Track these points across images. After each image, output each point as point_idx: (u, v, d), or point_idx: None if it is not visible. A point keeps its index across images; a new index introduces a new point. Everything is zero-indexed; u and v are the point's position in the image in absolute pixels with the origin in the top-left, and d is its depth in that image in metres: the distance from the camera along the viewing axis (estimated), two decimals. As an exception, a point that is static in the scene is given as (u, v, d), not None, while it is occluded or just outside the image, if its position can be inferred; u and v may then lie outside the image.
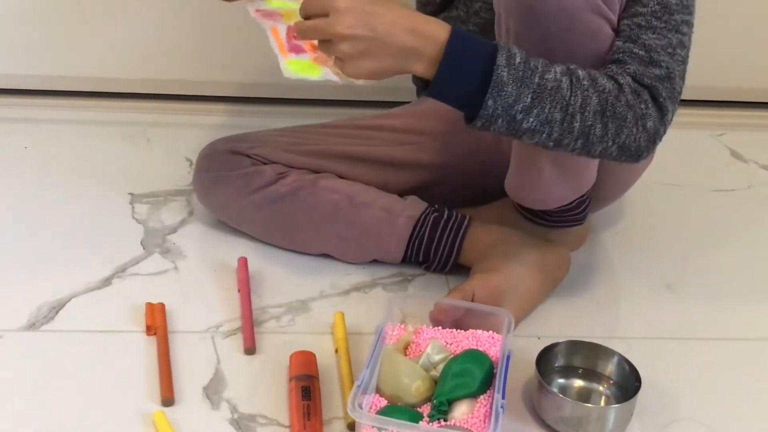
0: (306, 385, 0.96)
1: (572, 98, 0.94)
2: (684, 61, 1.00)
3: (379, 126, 1.28)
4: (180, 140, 1.51)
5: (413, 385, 0.92)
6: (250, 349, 1.03)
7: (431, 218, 1.18)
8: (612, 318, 1.16)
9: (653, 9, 0.98)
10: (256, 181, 1.20)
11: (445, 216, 1.18)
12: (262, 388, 0.99)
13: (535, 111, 0.93)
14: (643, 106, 0.97)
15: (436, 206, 1.20)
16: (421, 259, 1.19)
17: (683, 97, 1.72)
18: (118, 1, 1.58)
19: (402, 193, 1.22)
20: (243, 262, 1.17)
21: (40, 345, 1.03)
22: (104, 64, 1.63)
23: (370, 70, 0.93)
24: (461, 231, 1.17)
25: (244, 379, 1.00)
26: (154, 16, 1.59)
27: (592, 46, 0.98)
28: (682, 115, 1.67)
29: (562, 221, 1.18)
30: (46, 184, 1.37)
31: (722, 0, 1.64)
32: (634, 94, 0.96)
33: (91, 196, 1.34)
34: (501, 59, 0.92)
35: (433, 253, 1.18)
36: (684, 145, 1.61)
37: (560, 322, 1.12)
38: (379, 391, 0.93)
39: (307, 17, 0.94)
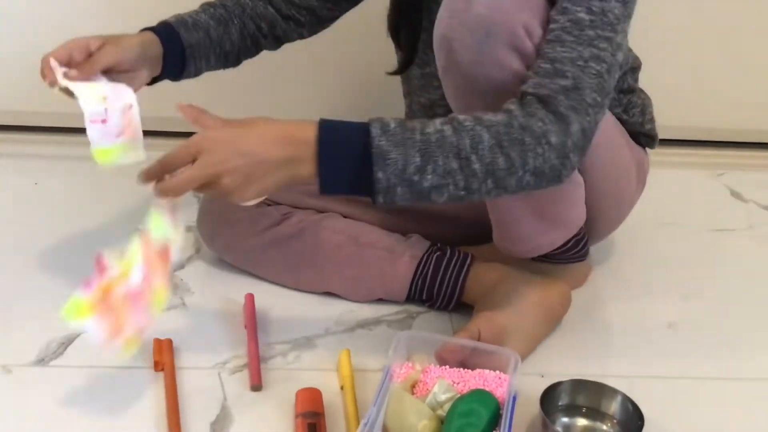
0: (312, 422, 0.96)
1: (460, 141, 0.91)
2: (599, 75, 0.94)
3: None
4: (187, 177, 1.53)
5: (420, 424, 0.93)
6: (257, 386, 1.04)
7: (434, 257, 1.19)
8: (614, 356, 1.17)
9: (563, 25, 0.96)
10: (262, 223, 1.21)
11: (448, 255, 1.19)
12: (268, 424, 0.99)
13: (429, 167, 0.90)
14: (540, 124, 0.92)
15: (439, 245, 1.21)
16: (424, 297, 1.20)
17: (684, 137, 1.76)
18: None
19: (404, 234, 1.24)
20: (250, 299, 1.18)
21: (50, 380, 1.04)
22: (114, 101, 1.65)
23: (257, 192, 0.92)
24: (464, 269, 1.18)
25: (250, 415, 1.01)
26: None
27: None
28: (681, 155, 1.72)
29: (563, 260, 1.20)
30: (55, 220, 1.38)
31: (722, 42, 1.68)
32: (527, 115, 0.92)
33: (100, 232, 1.36)
34: (375, 131, 0.89)
35: (437, 291, 1.19)
36: (684, 185, 1.63)
37: (563, 360, 1.13)
38: (385, 429, 0.94)
39: (169, 171, 0.93)
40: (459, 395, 0.97)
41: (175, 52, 1.16)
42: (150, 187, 0.95)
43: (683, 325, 1.23)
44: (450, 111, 1.03)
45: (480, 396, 0.95)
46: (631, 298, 1.29)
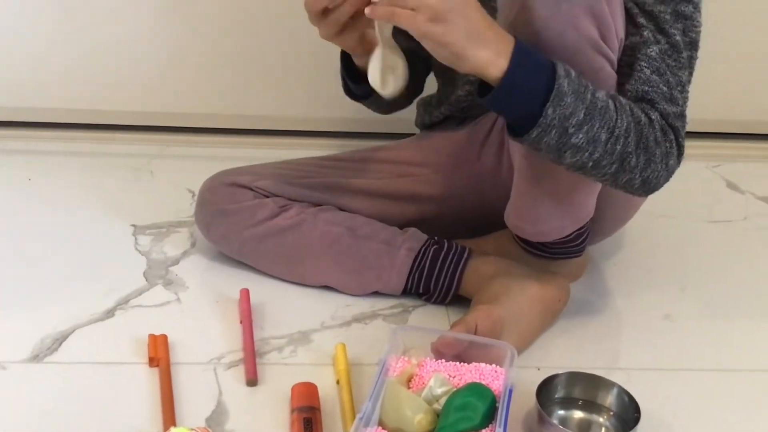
0: (308, 417, 0.96)
1: (618, 120, 0.96)
2: (688, 97, 1.04)
3: (381, 159, 1.30)
4: (183, 172, 1.53)
5: (416, 418, 0.92)
6: (252, 381, 1.04)
7: (431, 250, 1.19)
8: (611, 349, 1.17)
9: (663, 48, 1.01)
10: (259, 215, 1.21)
11: (445, 248, 1.19)
12: (264, 419, 0.99)
13: (585, 127, 0.94)
14: (668, 145, 1.00)
15: (436, 238, 1.21)
16: (421, 290, 1.20)
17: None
18: (122, 35, 1.61)
19: (403, 225, 1.24)
20: (245, 294, 1.17)
21: (44, 377, 1.04)
22: (107, 96, 1.64)
23: (439, 35, 0.90)
24: (461, 263, 1.18)
25: (246, 410, 1.00)
26: (158, 49, 1.61)
27: (593, 84, 1.00)
28: (678, 147, 1.71)
29: (560, 253, 1.20)
30: (49, 216, 1.38)
31: (719, 33, 1.66)
32: (662, 132, 1.00)
33: (94, 227, 1.35)
34: (561, 70, 0.93)
35: (434, 285, 1.19)
36: (680, 176, 1.60)
37: (560, 353, 1.13)
38: (381, 423, 0.94)
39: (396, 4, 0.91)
40: (455, 389, 0.96)
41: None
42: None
43: (680, 316, 1.23)
44: None
45: (476, 389, 0.95)
46: (628, 289, 1.28)
